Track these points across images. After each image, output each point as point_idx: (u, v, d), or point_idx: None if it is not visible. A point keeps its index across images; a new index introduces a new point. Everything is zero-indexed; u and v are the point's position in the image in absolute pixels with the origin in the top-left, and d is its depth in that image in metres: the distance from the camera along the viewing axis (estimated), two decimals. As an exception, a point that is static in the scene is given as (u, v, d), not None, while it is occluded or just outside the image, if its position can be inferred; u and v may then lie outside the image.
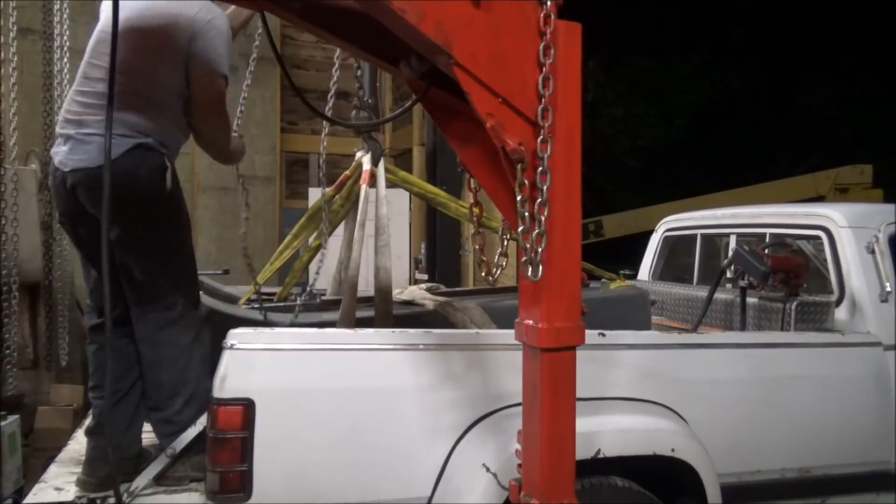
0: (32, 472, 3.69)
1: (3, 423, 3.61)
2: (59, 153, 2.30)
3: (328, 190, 3.13)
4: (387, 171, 3.12)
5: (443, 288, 3.75)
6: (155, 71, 2.32)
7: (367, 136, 3.06)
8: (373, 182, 3.01)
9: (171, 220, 2.36)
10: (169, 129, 2.36)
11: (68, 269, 5.01)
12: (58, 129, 2.36)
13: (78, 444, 2.56)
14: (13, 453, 3.68)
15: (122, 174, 2.18)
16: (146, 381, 2.34)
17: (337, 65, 2.97)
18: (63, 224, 2.47)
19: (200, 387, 2.27)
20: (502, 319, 2.79)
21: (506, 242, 2.06)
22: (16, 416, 3.83)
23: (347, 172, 3.20)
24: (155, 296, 2.30)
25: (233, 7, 2.59)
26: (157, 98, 2.32)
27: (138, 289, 2.30)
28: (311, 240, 3.36)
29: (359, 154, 3.12)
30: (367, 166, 3.02)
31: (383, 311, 2.79)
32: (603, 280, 3.51)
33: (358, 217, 2.92)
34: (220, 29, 2.35)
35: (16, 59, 4.21)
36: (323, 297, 3.35)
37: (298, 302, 3.10)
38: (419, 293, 3.26)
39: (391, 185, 3.24)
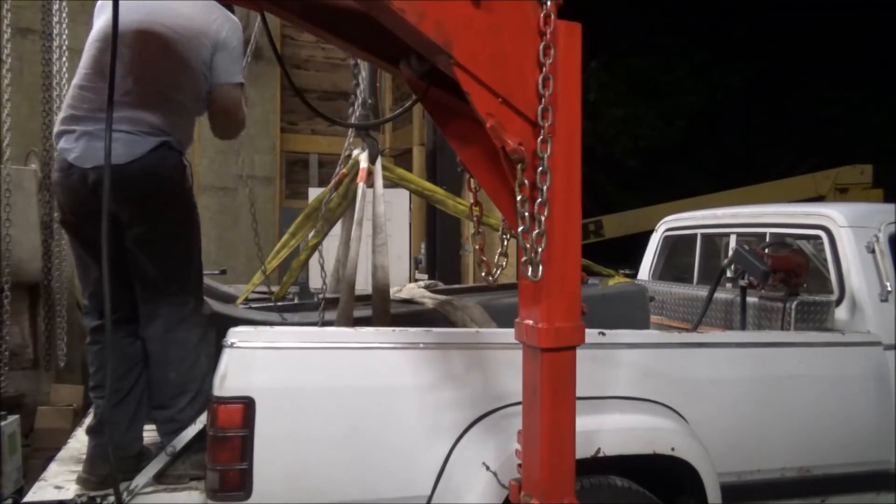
0: (32, 472, 3.69)
1: (3, 423, 3.61)
2: (75, 149, 2.24)
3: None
4: (384, 168, 3.11)
5: (441, 285, 3.74)
6: (176, 73, 2.35)
7: (364, 134, 3.06)
8: (370, 180, 3.01)
9: (189, 218, 2.38)
10: (184, 130, 2.40)
11: (68, 269, 5.01)
12: (64, 125, 2.31)
13: (78, 442, 2.56)
14: (13, 453, 3.69)
15: (147, 171, 2.19)
16: (152, 379, 2.35)
17: (354, 63, 2.96)
18: (67, 223, 2.39)
19: (205, 386, 2.27)
20: (502, 317, 2.78)
21: (506, 242, 2.06)
22: (16, 416, 3.83)
23: (344, 170, 3.20)
24: (167, 294, 2.30)
25: None
26: (177, 99, 2.35)
27: (151, 287, 2.30)
28: (309, 236, 3.36)
29: (356, 152, 3.12)
30: (364, 164, 3.02)
31: (381, 310, 2.79)
32: (601, 277, 3.51)
33: (355, 215, 2.92)
34: (237, 41, 2.46)
35: (10, 59, 4.20)
36: (320, 296, 3.35)
37: (295, 301, 3.11)
38: (418, 291, 3.26)
39: (390, 183, 3.24)
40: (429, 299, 3.05)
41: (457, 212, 3.51)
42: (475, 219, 2.09)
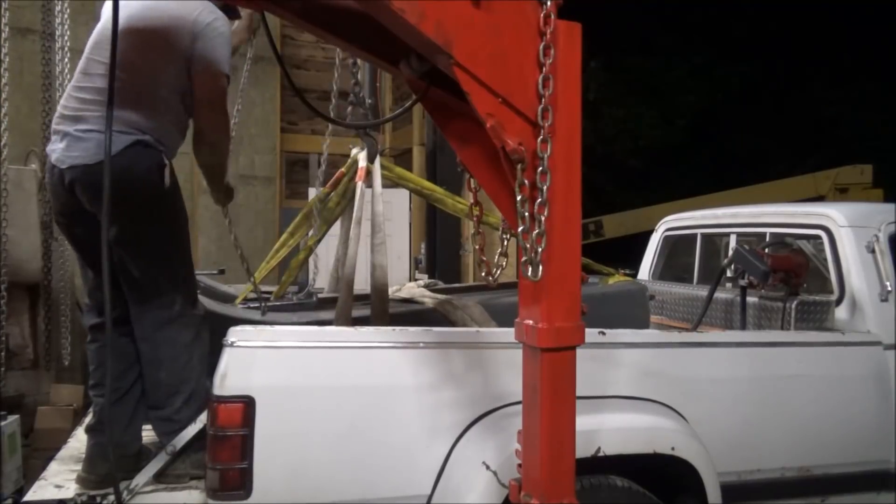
0: (32, 472, 3.69)
1: (3, 423, 3.61)
2: (56, 150, 2.28)
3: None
4: (382, 167, 3.11)
5: (441, 284, 3.74)
6: (156, 70, 2.33)
7: (363, 133, 3.05)
8: (369, 179, 3.01)
9: (169, 217, 2.36)
10: (167, 128, 2.37)
11: (68, 269, 5.02)
12: (54, 126, 2.35)
13: (78, 441, 2.56)
14: (13, 453, 3.69)
15: (119, 170, 2.18)
16: (146, 379, 2.35)
17: (338, 63, 2.97)
18: (60, 224, 2.45)
19: (200, 385, 2.28)
20: (502, 316, 2.78)
21: (506, 242, 2.06)
22: (16, 416, 3.83)
23: (343, 170, 3.20)
24: (153, 294, 2.30)
25: (235, 25, 2.61)
26: (157, 96, 2.33)
27: (137, 287, 2.30)
28: (309, 234, 3.35)
29: (354, 151, 3.11)
30: (362, 163, 3.01)
31: (380, 310, 2.79)
32: (601, 276, 3.51)
33: (354, 214, 2.92)
34: (221, 30, 2.38)
35: (7, 58, 4.21)
36: (319, 296, 3.35)
37: (294, 300, 3.10)
38: (418, 291, 3.26)
39: (389, 182, 3.24)
40: (428, 298, 3.05)
41: (456, 210, 3.51)
42: (475, 219, 2.09)
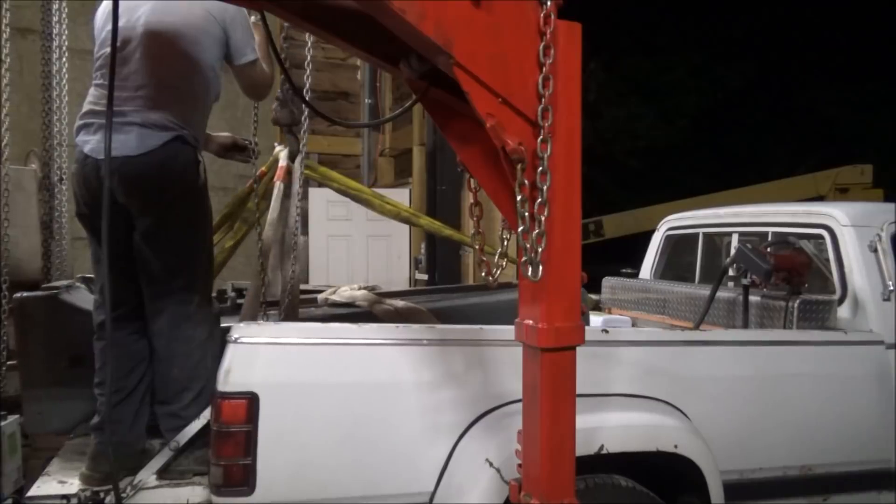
0: (32, 472, 3.68)
1: (3, 423, 3.60)
2: (90, 141, 2.28)
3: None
4: (308, 168, 3.03)
5: (380, 289, 3.61)
6: (186, 63, 2.36)
7: (286, 130, 2.93)
8: (289, 178, 2.94)
9: (200, 214, 2.39)
10: (198, 123, 2.42)
11: (68, 269, 5.01)
12: (84, 120, 2.35)
13: (81, 438, 2.57)
14: (13, 453, 3.68)
15: (159, 165, 2.21)
16: (157, 374, 2.36)
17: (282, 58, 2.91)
18: (81, 215, 2.43)
19: (209, 383, 2.28)
20: (448, 320, 2.72)
21: (506, 243, 2.06)
22: (16, 416, 3.83)
23: (263, 168, 3.12)
24: (174, 290, 2.31)
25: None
26: (191, 91, 2.37)
27: (157, 283, 2.31)
28: (260, 229, 3.26)
29: (277, 149, 3.02)
30: (283, 162, 2.94)
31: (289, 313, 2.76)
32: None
33: (269, 215, 2.86)
34: (243, 20, 2.50)
35: (9, 59, 4.20)
36: (238, 301, 3.23)
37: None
38: (360, 294, 3.15)
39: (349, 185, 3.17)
40: (366, 302, 2.98)
41: (384, 212, 3.42)
42: (475, 219, 2.09)
